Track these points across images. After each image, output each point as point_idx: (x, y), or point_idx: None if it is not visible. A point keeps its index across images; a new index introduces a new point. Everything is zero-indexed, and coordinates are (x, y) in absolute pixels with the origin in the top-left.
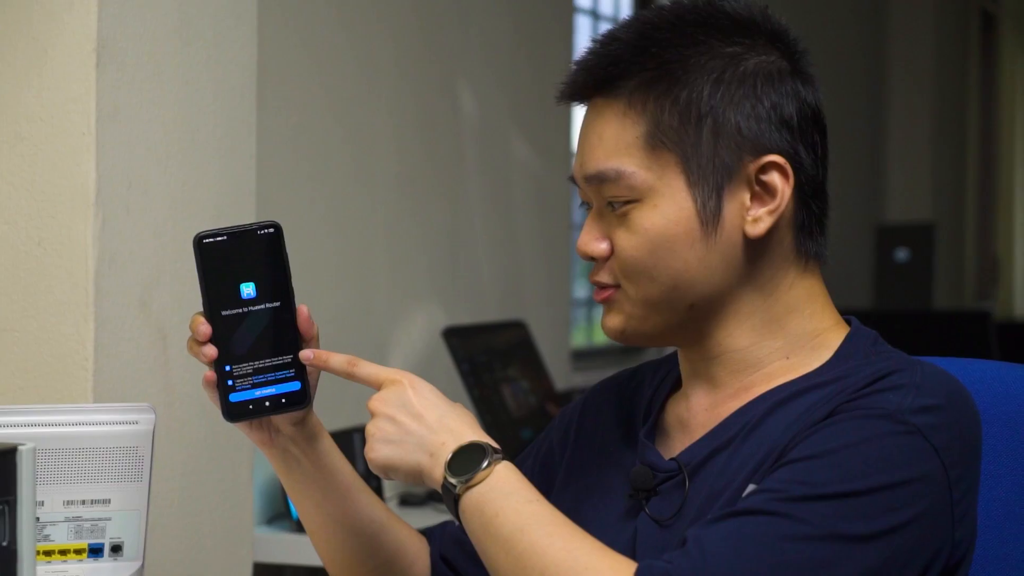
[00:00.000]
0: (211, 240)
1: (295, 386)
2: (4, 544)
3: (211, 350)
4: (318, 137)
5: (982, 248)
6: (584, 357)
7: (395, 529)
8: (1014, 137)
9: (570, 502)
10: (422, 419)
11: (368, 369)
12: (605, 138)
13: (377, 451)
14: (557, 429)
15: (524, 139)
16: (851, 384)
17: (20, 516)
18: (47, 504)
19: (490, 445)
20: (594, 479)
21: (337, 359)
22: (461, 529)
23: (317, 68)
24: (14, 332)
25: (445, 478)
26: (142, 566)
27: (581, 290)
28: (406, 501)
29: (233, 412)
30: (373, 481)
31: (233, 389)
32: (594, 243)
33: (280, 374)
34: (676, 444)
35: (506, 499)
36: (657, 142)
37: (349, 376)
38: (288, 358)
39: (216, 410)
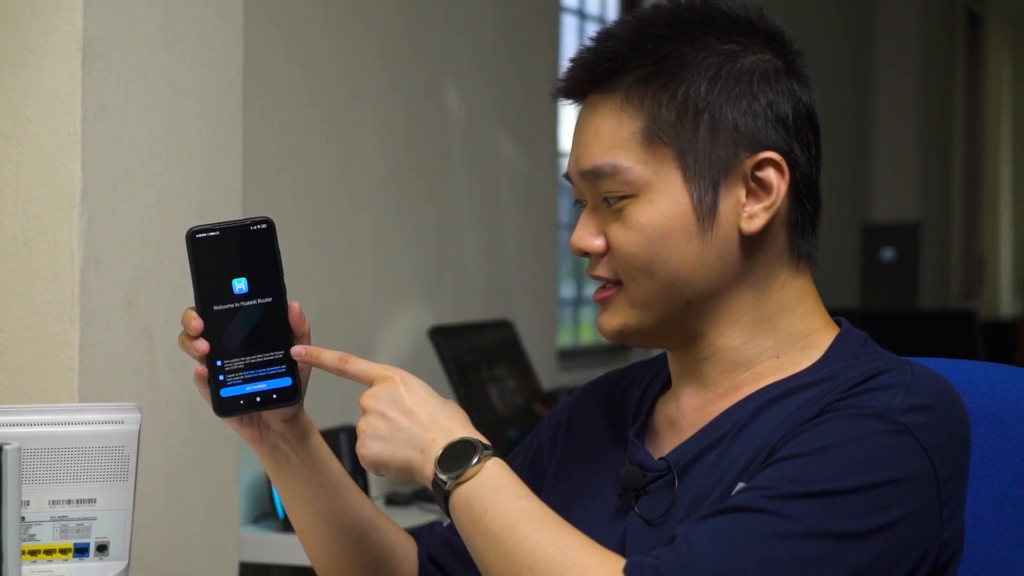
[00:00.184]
0: (204, 235)
1: (286, 382)
2: None
3: (203, 345)
4: (304, 137)
5: (968, 247)
6: (570, 357)
7: (384, 528)
8: (1000, 137)
9: (560, 501)
10: (413, 416)
11: (360, 365)
12: (601, 134)
13: (368, 447)
14: (546, 429)
15: (511, 138)
16: (841, 383)
17: (5, 516)
18: (32, 504)
19: (480, 442)
20: (583, 479)
21: (329, 355)
22: (449, 529)
23: (303, 68)
24: None
25: (435, 474)
26: (128, 566)
27: (568, 290)
28: (392, 500)
29: (224, 407)
30: (360, 479)
31: (224, 384)
32: (589, 239)
33: (271, 370)
34: (665, 444)
35: (496, 495)
36: (654, 137)
37: (341, 372)
38: (279, 354)
39: (202, 409)
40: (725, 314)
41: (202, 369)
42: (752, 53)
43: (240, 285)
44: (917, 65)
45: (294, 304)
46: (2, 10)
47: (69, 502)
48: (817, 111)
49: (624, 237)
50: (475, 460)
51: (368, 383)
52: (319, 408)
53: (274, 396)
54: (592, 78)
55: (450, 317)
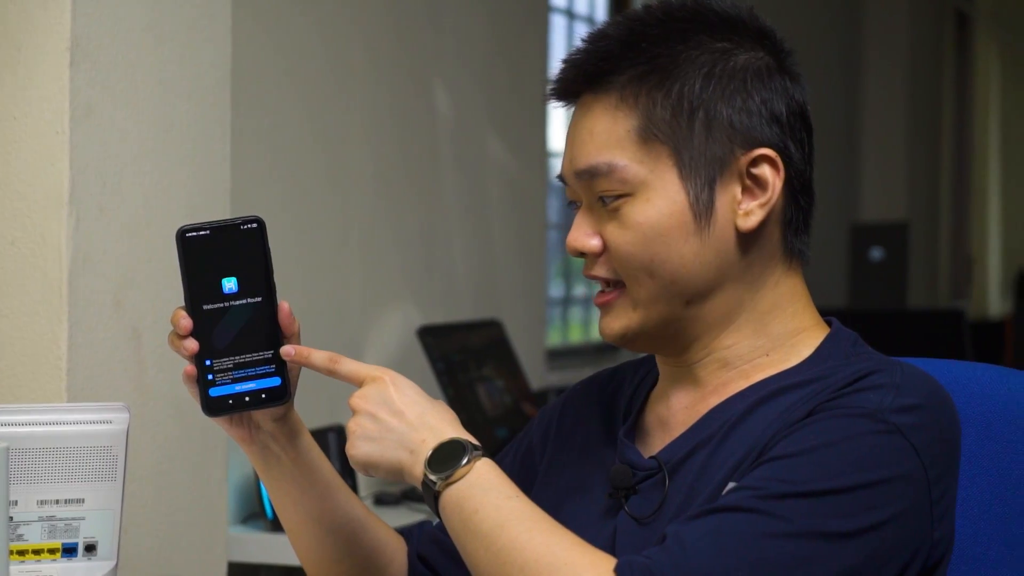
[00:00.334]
0: (194, 234)
1: (275, 382)
2: None
3: (192, 344)
4: (292, 136)
5: (956, 247)
6: (559, 356)
7: (373, 528)
8: (988, 137)
9: (550, 501)
10: (403, 416)
11: (350, 366)
12: (596, 133)
13: (358, 448)
14: (537, 428)
15: (499, 138)
16: (831, 383)
17: None
18: (20, 503)
19: (470, 442)
20: (574, 478)
21: (319, 356)
22: (439, 528)
23: (291, 67)
24: None
25: (425, 475)
26: (116, 565)
27: (556, 289)
28: (381, 500)
29: (212, 407)
30: (349, 479)
31: (213, 384)
32: (585, 239)
33: (260, 369)
34: (656, 443)
35: (485, 495)
36: (649, 135)
37: (330, 373)
38: (269, 353)
39: (191, 409)
40: (722, 314)
41: (191, 368)
42: (745, 51)
43: (230, 284)
44: (906, 65)
45: (283, 304)
46: None
47: (57, 502)
48: (809, 109)
49: (622, 237)
50: (465, 460)
51: (358, 383)
52: (308, 408)
53: (263, 396)
54: (585, 78)
55: (439, 317)
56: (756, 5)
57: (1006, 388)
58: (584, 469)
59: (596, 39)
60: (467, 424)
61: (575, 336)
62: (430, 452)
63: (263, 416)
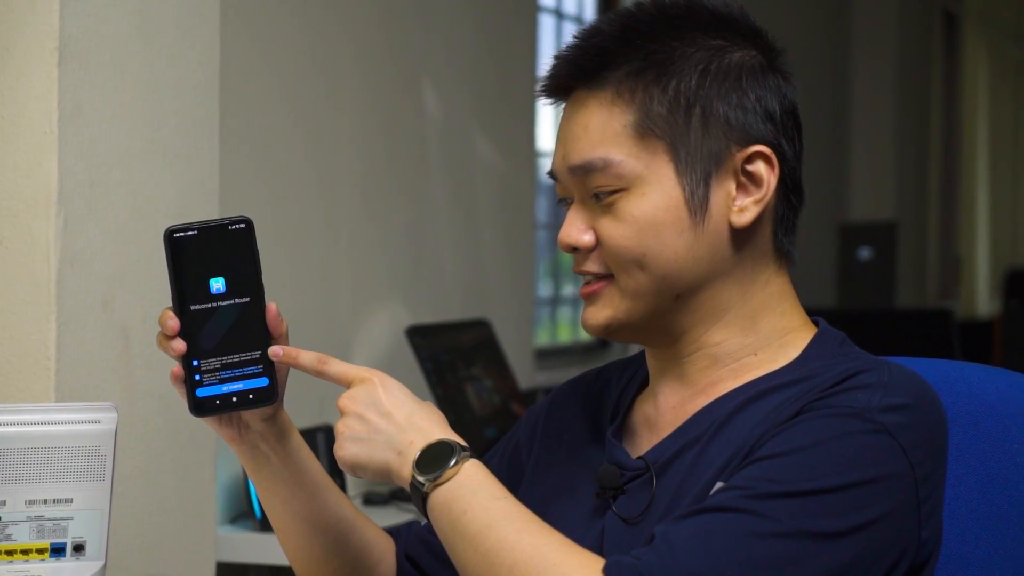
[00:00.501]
0: (181, 234)
1: (263, 382)
2: None
3: (179, 344)
4: (280, 137)
5: (944, 247)
6: (548, 356)
7: (362, 528)
8: (976, 136)
9: (537, 501)
10: (391, 417)
11: (338, 367)
12: (591, 128)
13: (346, 449)
14: (524, 428)
15: (488, 138)
16: (819, 383)
17: None
18: (9, 504)
19: (458, 443)
20: (561, 478)
21: (307, 356)
22: (427, 528)
23: (279, 67)
24: None
25: (413, 476)
26: (104, 566)
27: (545, 289)
28: (370, 500)
29: (200, 407)
30: (338, 479)
31: (200, 384)
32: (578, 234)
33: (248, 370)
34: (643, 443)
35: (474, 496)
36: (646, 130)
37: (318, 374)
38: (256, 354)
39: (179, 409)
40: (711, 310)
41: (178, 369)
42: (738, 49)
43: (218, 285)
44: (894, 65)
45: (271, 305)
46: None
47: (46, 502)
48: (799, 108)
49: (616, 230)
50: (453, 462)
51: (346, 384)
52: (296, 408)
53: (251, 396)
54: (580, 73)
55: (427, 317)
56: (745, 4)
57: (994, 387)
58: (571, 469)
59: (589, 35)
60: (456, 424)
61: (564, 336)
62: (418, 453)
63: (252, 416)
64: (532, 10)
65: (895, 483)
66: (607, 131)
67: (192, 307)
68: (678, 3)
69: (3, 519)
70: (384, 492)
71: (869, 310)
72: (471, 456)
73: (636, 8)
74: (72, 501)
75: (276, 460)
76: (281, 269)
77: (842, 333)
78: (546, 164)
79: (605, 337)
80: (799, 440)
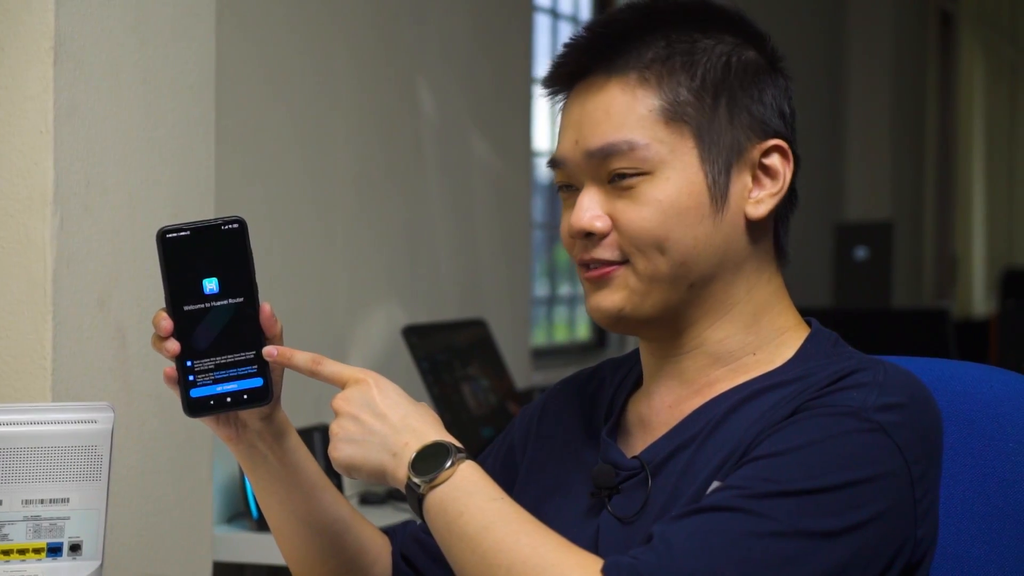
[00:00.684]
0: (174, 234)
1: (257, 382)
2: None
3: (173, 345)
4: (276, 136)
5: (940, 246)
6: (544, 356)
7: (359, 528)
8: (972, 136)
9: (531, 501)
10: (386, 419)
11: (332, 368)
12: (613, 112)
13: (340, 450)
14: (518, 428)
15: (483, 137)
16: (814, 382)
17: None
18: (5, 503)
19: (453, 445)
20: (555, 478)
21: (301, 357)
22: (422, 528)
23: (274, 67)
24: None
25: (409, 478)
26: (101, 565)
27: (541, 289)
28: (366, 500)
29: (194, 407)
30: (333, 478)
31: (194, 384)
32: (592, 218)
33: (242, 370)
34: (638, 442)
35: (470, 497)
36: (674, 116)
37: (313, 374)
38: (251, 354)
39: (175, 409)
40: (719, 303)
41: (171, 370)
42: (750, 48)
43: (211, 285)
44: (890, 65)
45: (265, 305)
46: None
47: (42, 501)
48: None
49: (637, 213)
50: (448, 463)
51: (341, 385)
52: (293, 408)
53: (245, 396)
54: (600, 57)
55: (423, 316)
56: (743, 3)
57: (989, 386)
58: (565, 468)
59: (607, 22)
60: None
61: (560, 335)
62: (413, 455)
63: (250, 415)
64: (528, 9)
65: (891, 482)
66: (631, 115)
67: (185, 307)
68: (692, 0)
69: (0, 519)
70: (380, 492)
71: (865, 310)
72: (467, 457)
73: (653, 2)
74: (68, 501)
75: (273, 459)
76: (276, 269)
77: (835, 333)
78: (542, 164)
79: (611, 325)
80: (795, 439)
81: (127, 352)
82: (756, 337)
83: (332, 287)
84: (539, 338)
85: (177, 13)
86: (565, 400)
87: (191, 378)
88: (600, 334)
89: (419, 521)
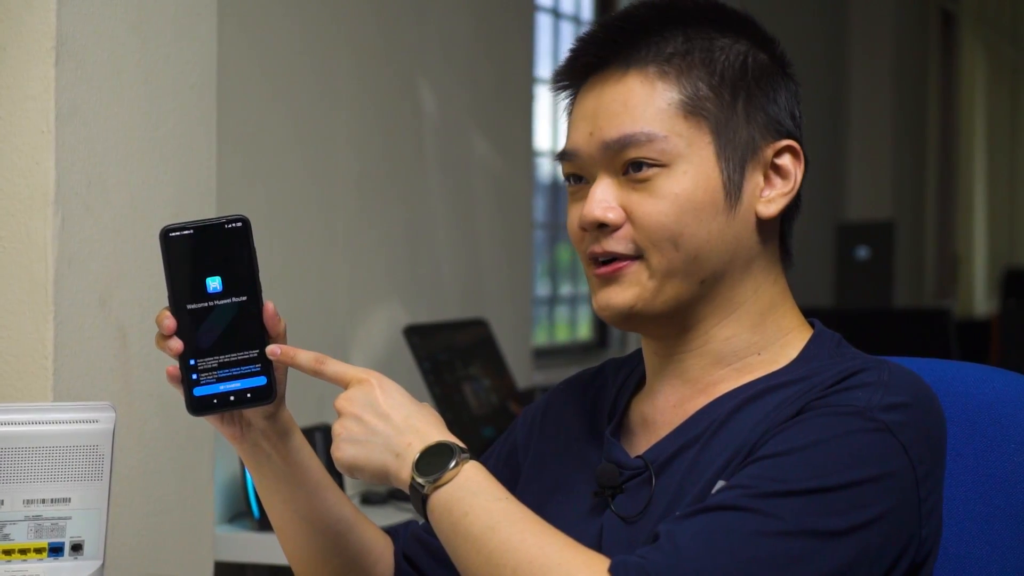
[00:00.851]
0: (177, 233)
1: (260, 381)
2: None
3: (176, 343)
4: (278, 136)
5: (942, 246)
6: (546, 356)
7: (362, 528)
8: (973, 135)
9: (534, 500)
10: (389, 419)
11: (336, 367)
12: (631, 104)
13: (343, 451)
14: (520, 428)
15: (485, 137)
16: (819, 382)
17: None
18: (7, 503)
19: (457, 445)
20: (558, 477)
21: (304, 356)
22: (424, 528)
23: (276, 67)
24: None
25: (413, 478)
26: (102, 565)
27: (543, 288)
28: (368, 499)
29: (197, 406)
30: (336, 478)
31: (197, 383)
32: (606, 210)
33: (245, 369)
34: (640, 442)
35: (475, 497)
36: (693, 110)
37: (316, 374)
38: (254, 353)
39: (177, 409)
40: (727, 301)
41: (173, 368)
42: (762, 51)
43: (214, 284)
44: (891, 64)
45: (268, 304)
46: None
47: (43, 501)
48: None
49: (653, 206)
50: (453, 463)
51: (344, 385)
52: (294, 408)
53: (248, 395)
54: (618, 49)
55: (425, 316)
56: (746, 3)
57: (991, 387)
58: (568, 468)
59: (623, 17)
60: (454, 423)
61: (561, 335)
62: (417, 455)
63: (254, 414)
64: (529, 9)
65: (896, 481)
66: (650, 107)
67: (189, 306)
68: (708, 1)
69: (1, 519)
70: (382, 492)
71: (867, 309)
72: (470, 458)
73: (669, 0)
74: (70, 500)
75: (277, 458)
76: (277, 268)
77: (838, 334)
78: (544, 164)
79: (620, 322)
80: (801, 439)
81: (128, 352)
82: (761, 337)
83: (333, 287)
84: (540, 338)
85: (179, 13)
86: (568, 400)
87: (194, 377)
88: (601, 334)
89: (422, 521)
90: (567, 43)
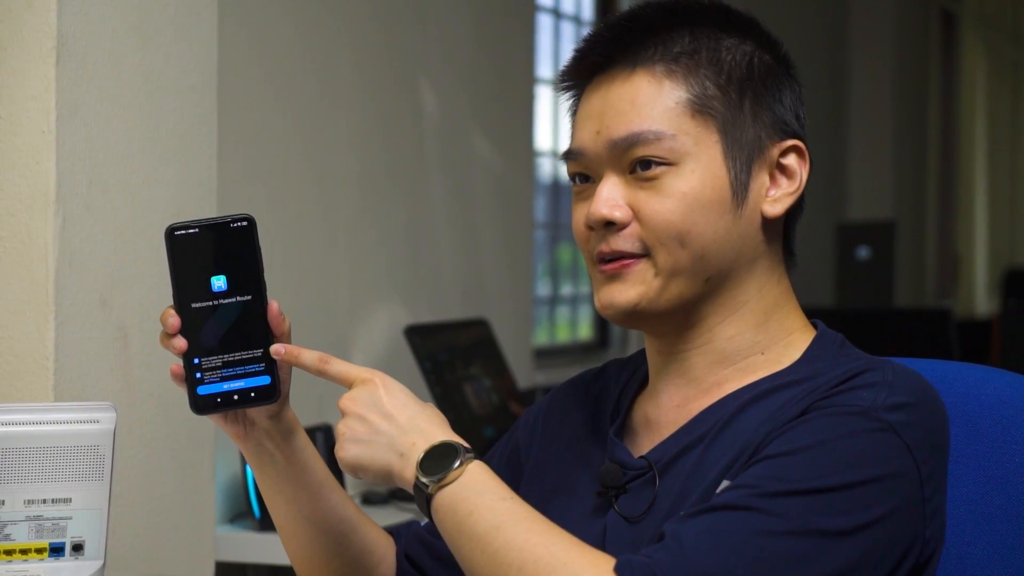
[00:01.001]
0: (182, 232)
1: (264, 380)
2: None
3: (180, 342)
4: (278, 136)
5: (943, 246)
6: (546, 356)
7: (364, 529)
8: (974, 135)
9: (537, 500)
10: (393, 419)
11: (340, 367)
12: (639, 102)
13: (347, 450)
14: (522, 429)
15: (486, 137)
16: (823, 382)
17: None
18: (8, 503)
19: (461, 445)
20: (560, 477)
21: (308, 355)
22: (426, 528)
23: (276, 67)
24: None
25: (417, 478)
26: (103, 565)
27: (544, 288)
28: (369, 499)
29: (200, 405)
30: (337, 477)
31: (201, 382)
32: (613, 208)
33: (249, 368)
34: (643, 442)
35: (479, 497)
36: (701, 109)
37: (320, 373)
38: (258, 352)
39: (178, 409)
40: (731, 300)
41: (177, 367)
42: (767, 52)
43: (219, 282)
44: (892, 65)
45: (273, 303)
46: None
47: (44, 501)
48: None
49: (660, 204)
50: (457, 463)
51: (348, 385)
52: (296, 407)
53: (252, 394)
54: (626, 48)
55: (426, 316)
56: (746, 4)
57: (992, 388)
58: (570, 468)
59: (629, 17)
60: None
61: (562, 335)
62: (421, 455)
63: (258, 414)
64: (530, 9)
65: (901, 481)
66: (658, 105)
67: (193, 305)
68: (713, 3)
69: (2, 519)
70: (383, 491)
71: (867, 309)
72: (475, 457)
73: (672, 1)
74: (71, 501)
75: (280, 458)
76: (279, 269)
77: (841, 335)
78: (545, 164)
79: (623, 320)
80: (805, 439)
81: (129, 352)
82: (765, 336)
83: (334, 287)
84: (541, 338)
85: (179, 13)
86: (570, 400)
87: (198, 375)
88: (602, 334)
89: (424, 520)
90: (568, 43)
